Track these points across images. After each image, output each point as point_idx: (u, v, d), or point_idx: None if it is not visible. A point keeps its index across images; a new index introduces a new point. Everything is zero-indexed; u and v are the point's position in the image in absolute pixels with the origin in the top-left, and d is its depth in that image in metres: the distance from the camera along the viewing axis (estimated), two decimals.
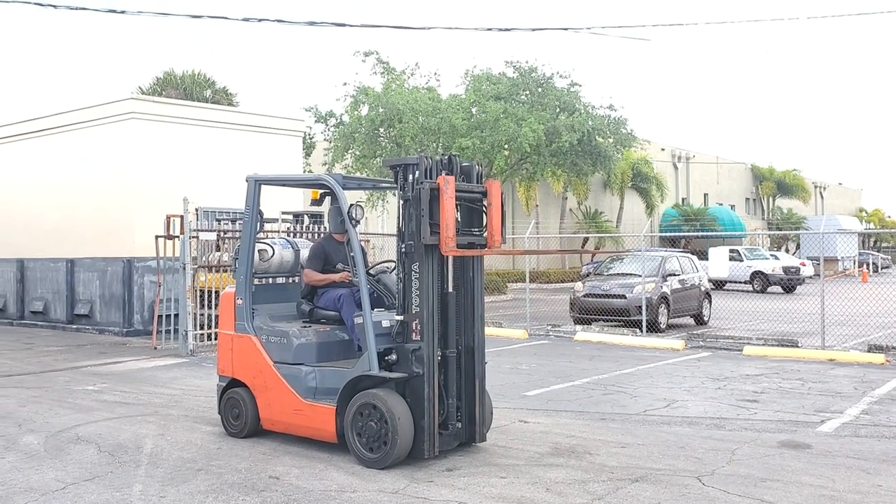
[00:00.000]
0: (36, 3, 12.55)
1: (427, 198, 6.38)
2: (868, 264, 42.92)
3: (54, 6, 13.01)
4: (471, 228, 6.86)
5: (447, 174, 6.51)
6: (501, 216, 6.77)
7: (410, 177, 6.48)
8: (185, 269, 13.36)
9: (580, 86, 31.49)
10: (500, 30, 14.20)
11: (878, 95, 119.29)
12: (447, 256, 6.62)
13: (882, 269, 47.94)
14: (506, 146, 29.27)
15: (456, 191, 6.46)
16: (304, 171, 28.22)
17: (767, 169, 59.45)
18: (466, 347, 6.77)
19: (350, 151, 29.89)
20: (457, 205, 6.56)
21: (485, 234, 6.83)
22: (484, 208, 6.85)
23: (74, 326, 17.13)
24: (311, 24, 13.89)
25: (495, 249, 6.76)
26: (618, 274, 18.27)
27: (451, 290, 6.71)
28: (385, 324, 6.64)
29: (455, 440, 6.70)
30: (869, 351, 12.83)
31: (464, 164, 6.90)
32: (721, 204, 52.62)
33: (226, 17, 13.87)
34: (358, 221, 6.95)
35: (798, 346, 13.49)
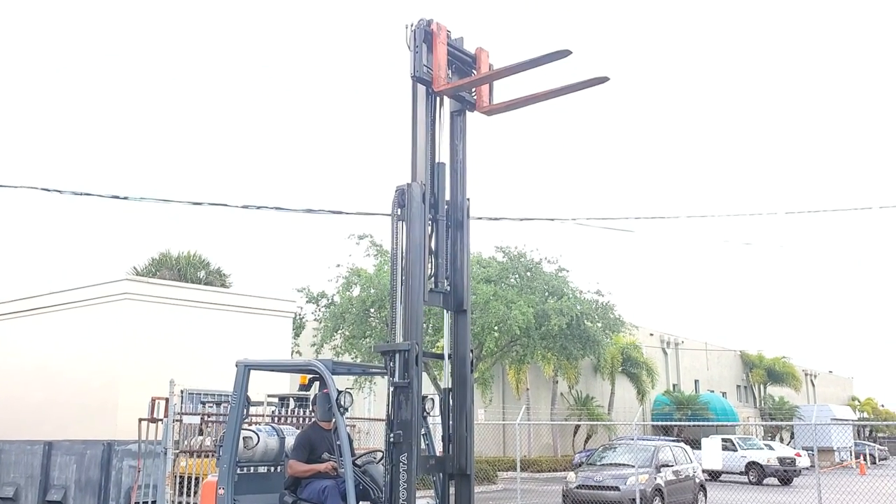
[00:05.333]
0: (43, 189, 13.01)
1: (422, 39, 6.83)
2: (865, 455, 42.03)
3: (60, 191, 13.48)
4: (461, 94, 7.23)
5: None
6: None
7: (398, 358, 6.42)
8: (166, 453, 13.00)
9: (567, 271, 32.11)
10: (490, 219, 14.67)
11: (863, 284, 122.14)
12: None
13: (880, 460, 46.90)
14: (496, 328, 29.42)
15: (448, 44, 6.93)
16: (293, 352, 28.15)
17: (757, 356, 59.50)
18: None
19: (339, 332, 29.90)
20: (448, 60, 6.97)
21: (473, 95, 7.22)
22: (474, 71, 7.22)
23: None
24: (309, 211, 14.31)
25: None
26: (610, 464, 17.82)
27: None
28: None
29: None
30: None
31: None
32: (712, 391, 52.17)
33: (226, 204, 14.42)
34: (346, 409, 6.88)
35: None
